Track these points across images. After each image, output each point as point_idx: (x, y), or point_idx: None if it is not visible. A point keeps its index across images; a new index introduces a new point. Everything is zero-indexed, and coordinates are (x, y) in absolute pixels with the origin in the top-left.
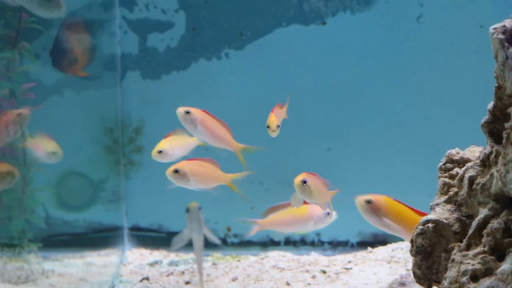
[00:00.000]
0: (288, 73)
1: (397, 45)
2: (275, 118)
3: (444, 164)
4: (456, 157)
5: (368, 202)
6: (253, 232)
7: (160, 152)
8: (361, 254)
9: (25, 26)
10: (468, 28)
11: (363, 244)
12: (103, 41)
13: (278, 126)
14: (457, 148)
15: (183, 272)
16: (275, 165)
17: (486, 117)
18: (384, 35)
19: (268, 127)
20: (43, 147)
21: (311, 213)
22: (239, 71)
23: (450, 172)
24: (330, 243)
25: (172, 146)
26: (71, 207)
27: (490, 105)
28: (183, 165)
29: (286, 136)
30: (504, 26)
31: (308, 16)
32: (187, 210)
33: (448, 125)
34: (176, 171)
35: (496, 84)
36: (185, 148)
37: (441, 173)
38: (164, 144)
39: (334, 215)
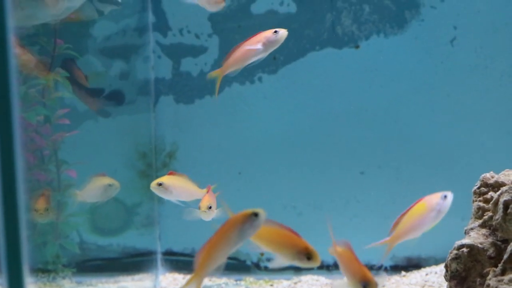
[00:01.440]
0: (321, 96)
1: (431, 68)
2: (206, 200)
3: (479, 188)
4: (491, 181)
5: None
6: (388, 252)
7: (159, 185)
8: (394, 278)
9: (60, 53)
10: (502, 50)
11: (397, 268)
12: (137, 66)
13: (210, 207)
14: (491, 172)
15: None
16: (308, 189)
17: None
18: (417, 58)
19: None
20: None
21: (430, 205)
22: (272, 95)
23: (485, 196)
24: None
25: (174, 184)
26: (105, 232)
27: None
28: (166, 179)
29: (319, 159)
30: None
31: (342, 40)
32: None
33: (483, 148)
34: (159, 184)
35: None
36: (188, 193)
37: (475, 197)
38: (166, 179)
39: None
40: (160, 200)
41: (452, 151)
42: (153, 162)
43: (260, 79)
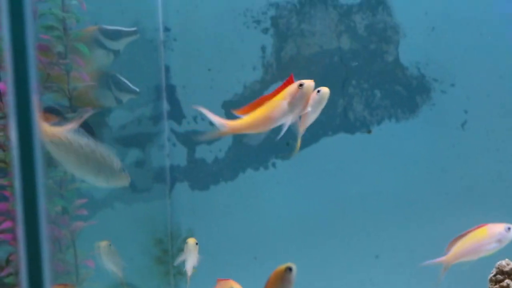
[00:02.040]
0: (335, 181)
1: (443, 152)
2: None
3: (495, 275)
4: (507, 268)
5: None
6: (444, 271)
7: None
8: None
9: None
10: None
11: None
12: (152, 154)
13: None
14: (507, 259)
15: None
16: (323, 273)
17: None
18: (429, 142)
19: None
20: None
21: (492, 233)
22: (285, 180)
23: (501, 284)
24: None
25: None
26: None
27: None
28: None
29: (333, 243)
30: None
31: (354, 125)
32: None
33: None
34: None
35: None
36: None
37: (491, 284)
38: None
39: None
40: (177, 286)
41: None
42: (169, 248)
43: (274, 164)
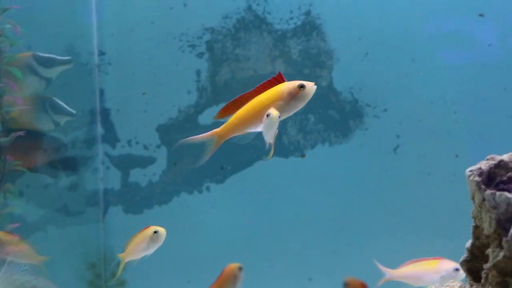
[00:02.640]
0: (269, 204)
1: (376, 175)
2: None
3: None
4: None
5: None
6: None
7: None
8: None
9: (9, 169)
10: (444, 158)
11: None
12: (85, 177)
13: None
14: (437, 284)
15: None
16: None
17: (464, 255)
18: (362, 166)
19: None
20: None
21: (439, 268)
22: (220, 204)
23: None
24: None
25: None
26: None
27: (468, 243)
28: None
29: (267, 266)
30: (480, 168)
31: (288, 149)
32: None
33: (427, 253)
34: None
35: (473, 224)
36: None
37: None
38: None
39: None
40: None
41: (397, 257)
42: (102, 272)
43: (208, 188)
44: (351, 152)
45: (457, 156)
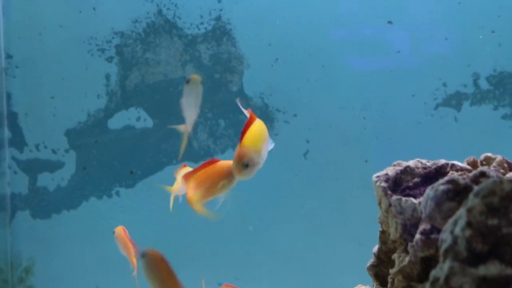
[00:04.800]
0: (179, 209)
1: (286, 180)
2: None
3: None
4: None
5: None
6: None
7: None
8: None
9: None
10: (353, 163)
11: None
12: None
13: None
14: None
15: None
16: None
17: (371, 260)
18: (273, 171)
19: None
20: None
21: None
22: (130, 208)
23: None
24: None
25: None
26: None
27: (375, 248)
28: None
29: (178, 272)
30: (387, 174)
31: (198, 153)
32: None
33: (338, 260)
34: None
35: (380, 229)
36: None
37: None
38: None
39: None
40: None
41: (309, 262)
42: (9, 278)
43: (117, 193)
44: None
45: (366, 161)
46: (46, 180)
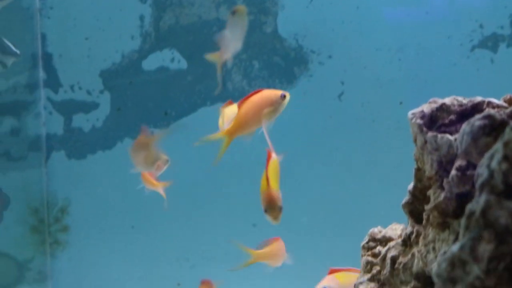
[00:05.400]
0: (214, 150)
1: (320, 122)
2: None
3: (367, 242)
4: (379, 236)
5: None
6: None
7: None
8: None
9: None
10: (388, 105)
11: None
12: (28, 122)
13: None
14: (379, 227)
15: None
16: (201, 242)
17: (406, 197)
18: (307, 112)
19: None
20: None
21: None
22: (164, 149)
23: (373, 250)
24: None
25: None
26: None
27: (410, 186)
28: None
29: (211, 212)
30: (423, 111)
31: (232, 95)
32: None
33: (372, 200)
34: None
35: (415, 166)
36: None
37: (364, 251)
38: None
39: None
40: (53, 255)
41: (343, 203)
42: (45, 217)
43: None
44: (296, 98)
45: (401, 103)
46: (81, 121)
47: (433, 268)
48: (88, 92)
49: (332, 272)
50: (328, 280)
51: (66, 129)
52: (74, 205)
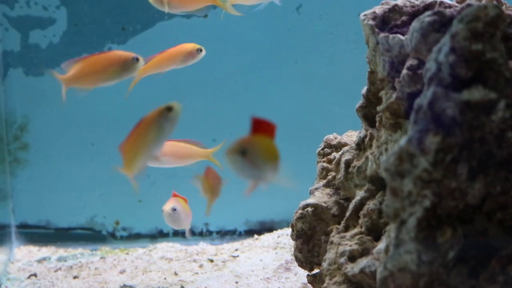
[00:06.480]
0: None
1: (278, 35)
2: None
3: (323, 149)
4: (334, 142)
5: None
6: None
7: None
8: (247, 242)
9: None
10: (346, 17)
11: (251, 232)
12: None
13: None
14: (334, 133)
15: (71, 267)
16: None
17: (360, 101)
18: (265, 26)
19: None
20: None
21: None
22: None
23: (328, 156)
24: (218, 232)
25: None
26: None
27: (364, 90)
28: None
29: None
30: (374, 12)
31: None
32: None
33: (330, 113)
34: (174, 209)
35: (368, 69)
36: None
37: (319, 158)
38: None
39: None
40: (13, 173)
41: (300, 116)
42: (4, 135)
43: (109, 49)
44: (254, 12)
45: (359, 15)
46: (38, 37)
47: (382, 163)
48: (44, 8)
49: (174, 195)
50: (173, 201)
51: (23, 45)
52: (33, 122)
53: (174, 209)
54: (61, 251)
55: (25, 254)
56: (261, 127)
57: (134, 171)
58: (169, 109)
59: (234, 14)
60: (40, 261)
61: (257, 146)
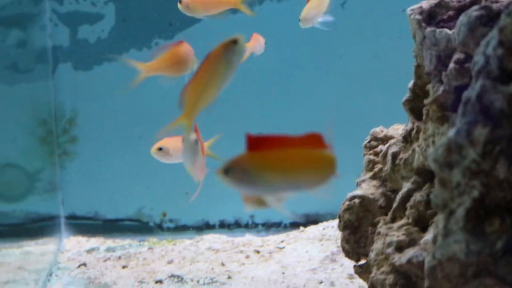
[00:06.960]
0: None
1: (324, 31)
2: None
3: (369, 142)
4: (380, 135)
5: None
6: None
7: (160, 149)
8: (293, 233)
9: None
10: (390, 13)
11: (296, 224)
12: (34, 34)
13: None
14: (381, 126)
15: (119, 257)
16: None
17: (407, 95)
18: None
19: None
20: None
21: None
22: None
23: (375, 149)
24: (263, 224)
25: (175, 147)
26: (7, 199)
27: (410, 83)
28: (165, 142)
29: (222, 123)
30: (421, 7)
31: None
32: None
33: (375, 107)
34: (160, 149)
35: (415, 63)
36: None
37: (366, 151)
38: (165, 142)
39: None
40: (62, 166)
41: (346, 111)
42: (54, 128)
43: (157, 44)
44: (299, 7)
45: (403, 10)
46: (86, 32)
47: (430, 154)
48: (93, 3)
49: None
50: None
51: (72, 40)
52: (82, 116)
53: (160, 149)
54: (109, 242)
55: (74, 245)
56: (258, 144)
57: (195, 116)
58: (234, 41)
59: (249, 14)
60: (89, 251)
61: (247, 164)
